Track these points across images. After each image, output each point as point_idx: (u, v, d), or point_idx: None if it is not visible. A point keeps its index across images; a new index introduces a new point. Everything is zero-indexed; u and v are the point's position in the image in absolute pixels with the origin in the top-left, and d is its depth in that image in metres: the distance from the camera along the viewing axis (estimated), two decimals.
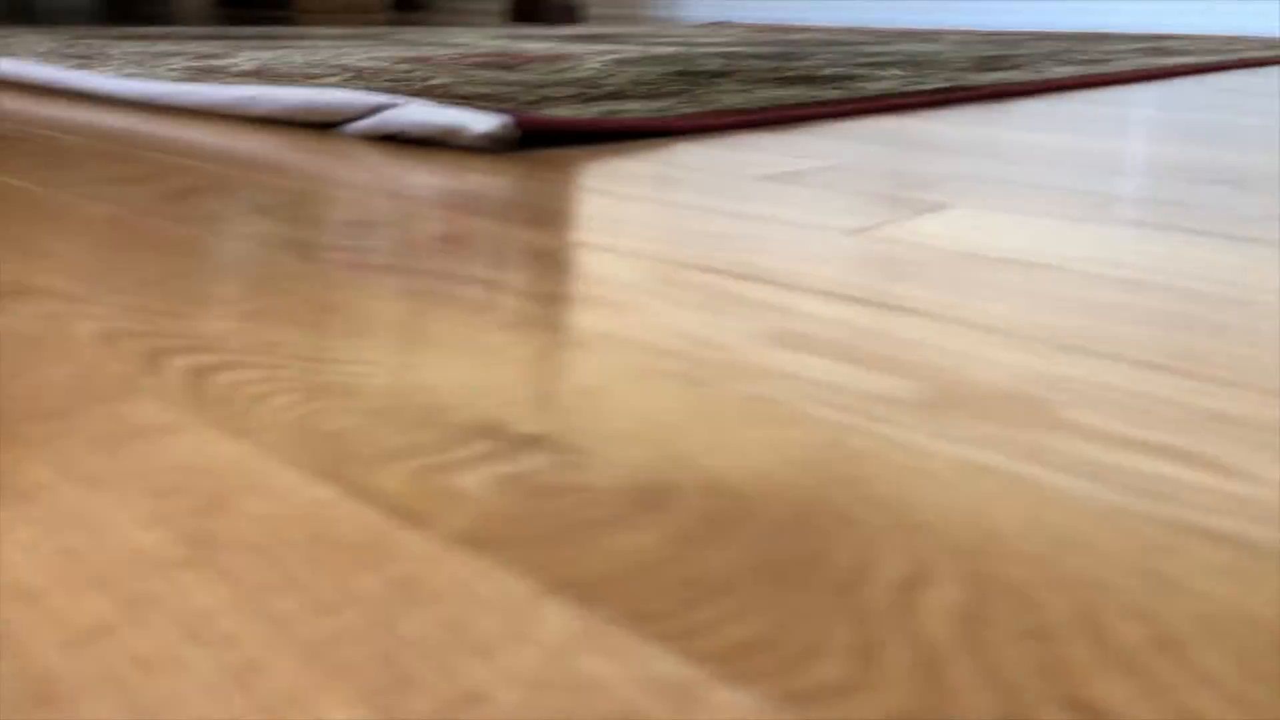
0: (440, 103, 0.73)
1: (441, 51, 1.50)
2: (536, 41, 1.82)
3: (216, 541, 0.20)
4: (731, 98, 0.91)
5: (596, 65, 1.20)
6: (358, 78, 1.01)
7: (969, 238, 0.47)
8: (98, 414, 0.27)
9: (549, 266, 0.42)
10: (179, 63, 1.23)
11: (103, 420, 0.26)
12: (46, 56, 1.28)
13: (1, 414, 0.27)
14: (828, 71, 1.22)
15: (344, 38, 1.91)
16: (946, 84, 1.11)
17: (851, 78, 1.15)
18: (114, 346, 0.32)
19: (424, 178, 0.61)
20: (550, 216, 0.51)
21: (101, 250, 0.44)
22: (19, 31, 1.93)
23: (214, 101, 0.85)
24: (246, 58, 1.32)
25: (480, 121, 0.66)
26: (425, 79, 1.02)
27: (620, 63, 1.24)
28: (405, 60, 1.29)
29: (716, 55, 1.46)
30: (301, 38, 1.90)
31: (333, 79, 0.99)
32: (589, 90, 0.94)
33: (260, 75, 1.04)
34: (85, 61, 1.23)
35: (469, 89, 0.91)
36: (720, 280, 0.40)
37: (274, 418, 0.26)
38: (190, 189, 0.58)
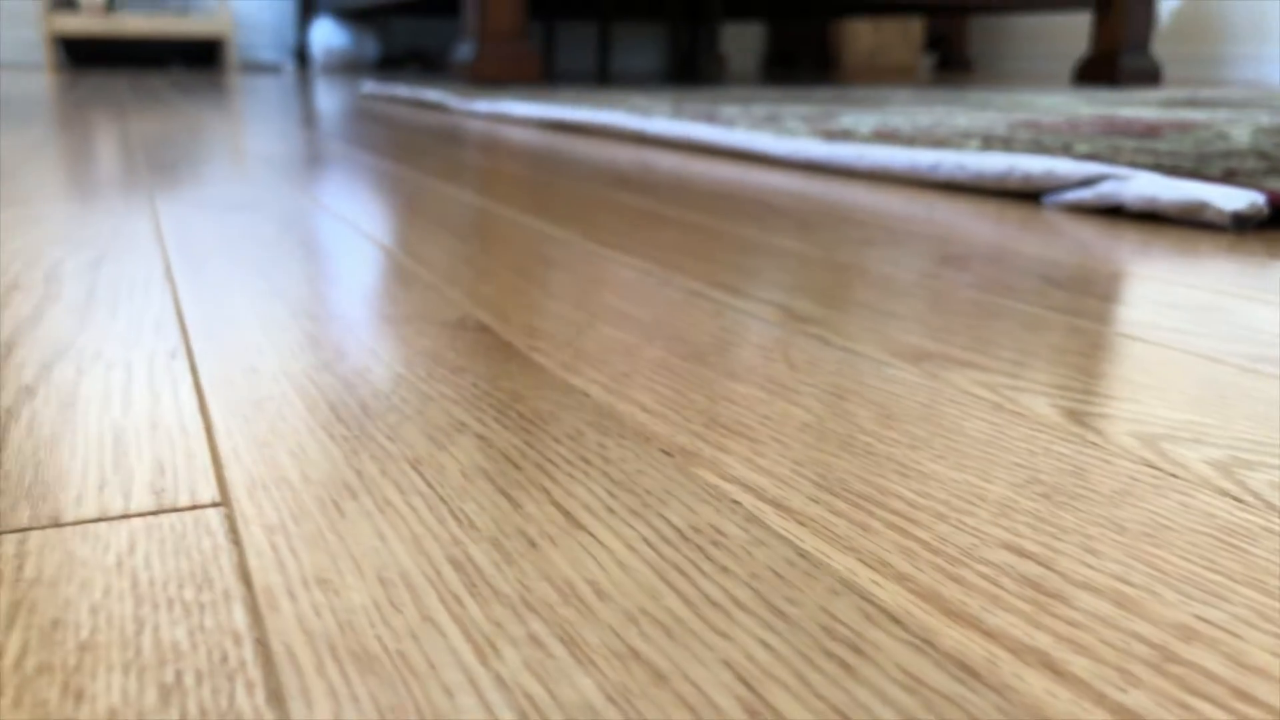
0: (1170, 176, 0.70)
1: (1039, 116, 1.48)
2: (1132, 107, 1.73)
3: None
4: None
5: (1246, 133, 1.11)
6: (986, 143, 1.02)
7: None
8: (1149, 505, 0.27)
9: None
10: (792, 124, 1.30)
11: (1142, 511, 0.27)
12: (676, 116, 1.41)
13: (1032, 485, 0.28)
14: None
15: (913, 100, 1.94)
16: None
17: None
18: (1080, 423, 0.33)
19: (1176, 258, 0.59)
20: None
21: (946, 316, 0.46)
22: (624, 93, 2.16)
23: (891, 166, 0.89)
24: (852, 120, 1.37)
25: (1230, 198, 0.63)
26: (1065, 145, 0.99)
27: (1273, 132, 1.14)
28: (1018, 125, 1.28)
29: None
30: (880, 101, 1.96)
31: (968, 144, 1.00)
32: (1277, 163, 0.87)
33: (885, 138, 1.07)
34: (710, 119, 1.35)
35: (1131, 159, 0.87)
36: None
37: None
38: (949, 256, 0.60)
